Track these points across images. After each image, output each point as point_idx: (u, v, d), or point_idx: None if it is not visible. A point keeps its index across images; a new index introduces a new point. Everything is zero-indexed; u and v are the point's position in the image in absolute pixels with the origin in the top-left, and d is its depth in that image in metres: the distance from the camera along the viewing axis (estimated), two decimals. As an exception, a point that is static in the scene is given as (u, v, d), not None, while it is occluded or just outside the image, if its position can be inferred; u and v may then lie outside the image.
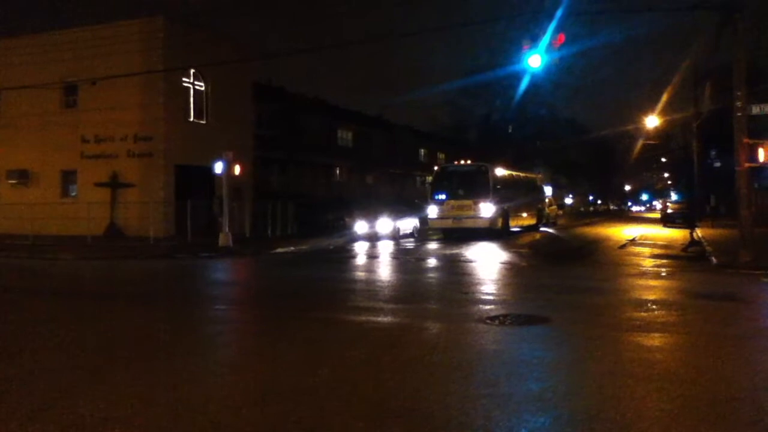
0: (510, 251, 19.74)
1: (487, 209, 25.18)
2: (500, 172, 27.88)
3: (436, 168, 29.91)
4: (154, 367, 6.20)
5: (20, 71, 25.11)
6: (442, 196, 26.13)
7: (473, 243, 22.27)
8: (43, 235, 23.50)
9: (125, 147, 24.64)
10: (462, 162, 28.33)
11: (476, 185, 25.68)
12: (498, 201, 25.73)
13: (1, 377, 5.79)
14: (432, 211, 26.45)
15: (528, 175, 34.59)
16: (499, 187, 26.37)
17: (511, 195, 27.79)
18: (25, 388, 5.42)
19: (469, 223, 25.34)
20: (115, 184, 24.65)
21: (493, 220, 25.28)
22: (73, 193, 26.27)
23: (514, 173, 31.12)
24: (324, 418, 4.61)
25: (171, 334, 7.96)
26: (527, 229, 30.83)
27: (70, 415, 4.67)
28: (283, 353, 6.79)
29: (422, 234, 27.38)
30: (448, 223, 25.98)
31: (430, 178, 28.84)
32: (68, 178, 26.34)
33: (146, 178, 24.55)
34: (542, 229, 32.83)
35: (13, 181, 26.60)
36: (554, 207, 42.15)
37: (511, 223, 27.84)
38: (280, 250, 21.22)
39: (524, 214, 30.63)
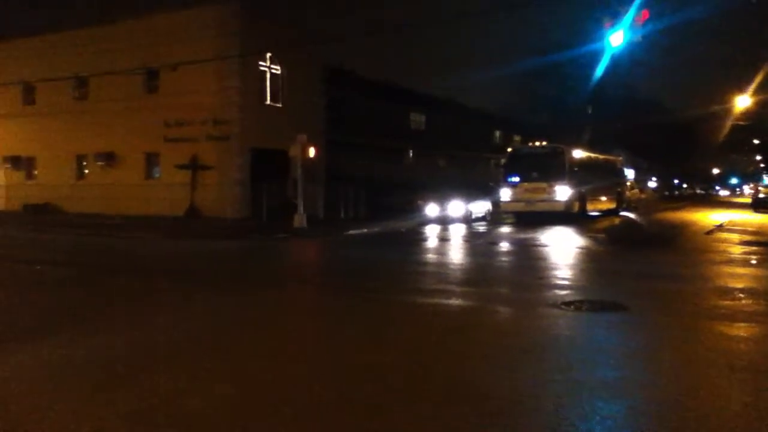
0: (587, 236, 19.18)
1: (562, 192, 24.39)
2: (577, 153, 26.91)
3: (509, 150, 29.05)
4: (224, 343, 6.37)
5: (106, 58, 26.21)
6: (516, 179, 25.50)
7: (548, 227, 21.75)
8: (127, 215, 24.61)
9: (204, 130, 25.34)
10: (537, 143, 27.59)
11: (551, 167, 24.84)
12: (574, 184, 24.84)
13: (83, 349, 6.08)
14: (504, 193, 25.86)
15: (607, 157, 33.09)
16: (575, 169, 25.46)
17: (589, 178, 26.71)
18: (100, 363, 5.67)
19: (543, 207, 24.60)
20: (194, 166, 25.45)
21: (568, 203, 24.47)
22: (156, 175, 27.32)
23: (592, 155, 29.96)
24: (390, 398, 4.61)
25: (242, 310, 8.17)
26: (606, 214, 29.83)
27: (144, 386, 4.87)
28: (352, 332, 6.85)
29: (495, 217, 26.95)
30: (521, 207, 25.34)
31: (503, 161, 28.20)
32: (151, 160, 27.39)
33: (224, 161, 25.22)
34: (622, 213, 31.72)
35: (101, 163, 27.91)
36: (636, 191, 40.65)
37: (588, 206, 26.88)
38: (352, 231, 21.42)
39: (603, 198, 29.53)
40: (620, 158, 36.07)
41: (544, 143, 27.21)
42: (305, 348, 6.38)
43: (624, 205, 33.67)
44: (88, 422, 4.13)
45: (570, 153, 25.67)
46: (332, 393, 4.75)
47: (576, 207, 25.16)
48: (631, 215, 31.42)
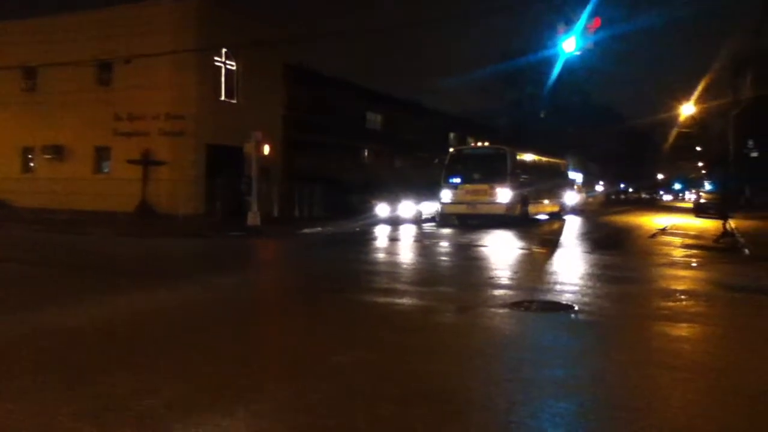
0: (533, 238, 19.62)
1: (504, 194, 24.18)
2: (520, 155, 26.76)
3: (451, 150, 28.42)
4: (182, 342, 6.31)
5: (57, 49, 25.47)
6: (457, 180, 25.17)
7: (493, 229, 22.05)
8: (76, 209, 23.98)
9: (157, 125, 24.87)
10: (479, 144, 27.35)
11: (493, 169, 24.63)
12: (516, 186, 24.73)
13: (35, 352, 5.95)
14: (446, 195, 25.44)
15: (551, 160, 33.20)
16: (518, 171, 25.38)
17: (532, 180, 26.73)
18: (60, 362, 5.57)
19: (484, 209, 24.42)
20: (146, 161, 24.96)
21: (510, 206, 24.29)
22: (106, 170, 26.68)
23: (535, 157, 29.93)
24: (350, 397, 4.66)
25: (198, 309, 8.09)
26: (550, 217, 30.30)
27: (96, 384, 4.81)
28: (309, 333, 6.87)
29: (444, 218, 27.06)
30: (462, 209, 25.06)
31: (438, 161, 27.79)
32: (101, 154, 26.74)
33: (177, 157, 24.81)
34: (567, 216, 32.33)
35: (49, 156, 27.10)
36: (582, 194, 41.62)
37: (531, 209, 26.88)
38: (307, 230, 21.38)
39: (546, 201, 29.61)
40: (564, 161, 36.31)
41: (487, 144, 27.02)
42: (263, 347, 6.38)
43: (568, 209, 34.23)
44: (37, 420, 4.07)
45: (513, 154, 25.44)
46: (288, 393, 4.77)
47: (518, 210, 24.98)
48: (577, 218, 32.21)
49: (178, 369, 5.33)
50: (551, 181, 30.67)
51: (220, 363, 5.56)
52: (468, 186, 24.87)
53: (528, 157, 28.51)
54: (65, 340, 6.27)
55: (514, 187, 24.52)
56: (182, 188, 24.01)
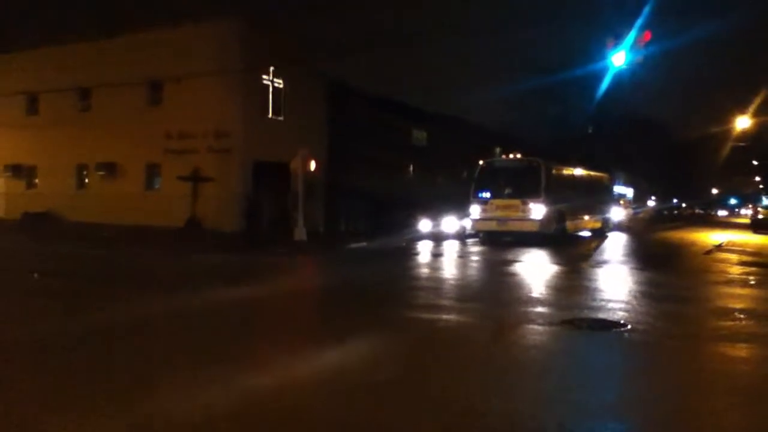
0: (576, 255, 19.20)
1: (537, 210, 22.67)
2: (556, 169, 25.32)
3: (480, 163, 26.24)
4: (228, 356, 6.35)
5: (109, 70, 26.35)
6: (487, 195, 23.79)
7: (534, 247, 21.24)
8: (127, 225, 24.61)
9: (206, 143, 25.40)
10: (510, 156, 26.21)
11: (526, 183, 23.17)
12: (551, 201, 23.11)
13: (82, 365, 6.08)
14: (474, 211, 24.10)
15: (592, 173, 31.39)
16: (553, 185, 23.76)
17: (570, 195, 25.05)
18: (108, 373, 5.67)
19: (516, 226, 23.01)
20: (195, 178, 25.47)
21: (544, 222, 22.74)
22: (157, 187, 27.35)
23: (574, 171, 28.33)
24: (390, 413, 4.60)
25: (243, 322, 8.15)
26: (592, 234, 29.17)
27: (141, 398, 4.87)
28: (351, 347, 6.83)
29: (486, 234, 26.44)
30: (492, 225, 23.67)
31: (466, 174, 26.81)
32: (152, 171, 27.41)
33: (225, 173, 25.25)
34: (611, 233, 31.29)
35: (102, 173, 27.96)
36: (630, 210, 40.56)
37: (569, 226, 25.27)
38: (353, 245, 21.46)
39: (586, 217, 27.98)
40: (606, 175, 34.55)
41: (519, 156, 25.93)
42: (305, 361, 6.36)
43: (613, 225, 32.93)
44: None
45: (547, 167, 24.00)
46: (331, 406, 4.74)
47: (553, 226, 23.47)
48: (623, 235, 31.27)
49: (219, 381, 5.34)
50: (592, 195, 29.10)
51: (264, 374, 5.55)
52: (498, 201, 23.57)
53: (565, 170, 27.09)
54: (97, 351, 6.38)
55: (548, 203, 23.05)
56: (230, 204, 24.40)
